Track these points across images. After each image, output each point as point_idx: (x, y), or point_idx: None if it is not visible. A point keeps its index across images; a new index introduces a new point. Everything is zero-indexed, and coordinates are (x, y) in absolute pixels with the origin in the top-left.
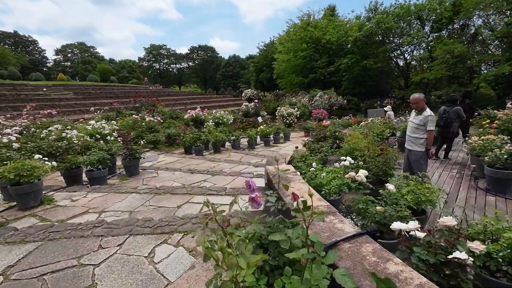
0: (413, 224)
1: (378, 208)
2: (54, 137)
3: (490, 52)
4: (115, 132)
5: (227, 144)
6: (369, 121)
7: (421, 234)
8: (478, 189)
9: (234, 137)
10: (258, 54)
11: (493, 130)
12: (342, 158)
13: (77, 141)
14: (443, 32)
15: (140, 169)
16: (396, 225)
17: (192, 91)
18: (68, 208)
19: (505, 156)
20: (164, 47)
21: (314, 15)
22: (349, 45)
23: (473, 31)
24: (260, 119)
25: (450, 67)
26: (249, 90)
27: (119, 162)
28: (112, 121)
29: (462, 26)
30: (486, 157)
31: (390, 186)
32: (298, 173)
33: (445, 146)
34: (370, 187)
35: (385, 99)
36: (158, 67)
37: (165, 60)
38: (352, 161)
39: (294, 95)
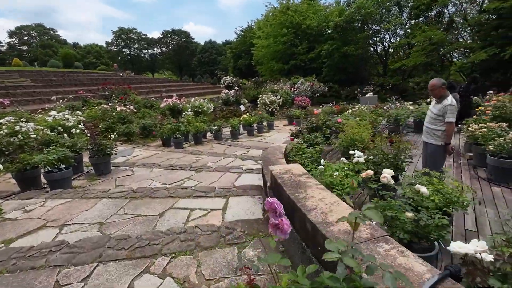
0: (481, 245)
1: (409, 214)
2: (5, 131)
3: (462, 40)
4: (81, 124)
5: (209, 134)
6: (356, 108)
7: (488, 258)
8: (480, 179)
9: (216, 127)
10: (235, 40)
11: (487, 117)
12: (351, 152)
13: (35, 135)
14: (421, 19)
15: (112, 166)
16: (459, 247)
17: (167, 78)
18: (19, 222)
19: (510, 145)
20: (134, 30)
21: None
22: (330, 31)
23: (448, 18)
24: (242, 107)
25: (428, 54)
26: (228, 77)
27: (86, 159)
28: (78, 112)
29: (438, 13)
30: (491, 146)
31: (423, 189)
32: (310, 175)
33: None
34: (396, 189)
35: (365, 86)
36: (128, 52)
37: (136, 45)
38: (365, 158)
39: (275, 82)
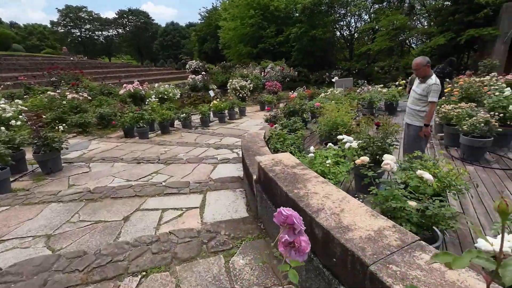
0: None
1: (412, 203)
2: None
3: (421, 26)
4: (23, 114)
5: (177, 123)
6: (329, 92)
7: None
8: (454, 158)
9: (184, 114)
10: (200, 22)
11: (455, 97)
12: (340, 137)
13: None
14: (384, 3)
15: (64, 162)
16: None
17: (126, 62)
18: None
19: (482, 124)
20: (84, 9)
21: None
22: (297, 14)
23: (408, 4)
24: (211, 93)
25: (392, 39)
26: (194, 61)
27: (31, 155)
28: (18, 101)
29: None
30: (464, 126)
31: (426, 175)
32: (305, 166)
33: None
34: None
35: (333, 70)
36: (79, 34)
37: (87, 26)
38: (357, 143)
39: (245, 66)
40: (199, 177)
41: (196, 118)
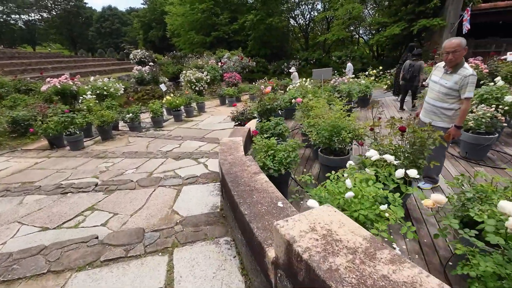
0: None
1: None
2: None
3: (370, 16)
4: None
5: (122, 125)
6: (297, 84)
7: None
8: (456, 158)
9: (131, 114)
10: (143, 8)
11: None
12: (369, 154)
13: None
14: None
15: None
16: None
17: (55, 53)
18: None
19: (488, 119)
20: None
21: None
22: (252, 0)
23: None
24: (163, 87)
25: (347, 28)
26: (139, 51)
27: None
28: None
29: None
30: (470, 122)
31: None
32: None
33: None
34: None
35: (291, 60)
36: None
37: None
38: (394, 159)
39: (199, 56)
40: (157, 214)
41: (146, 117)
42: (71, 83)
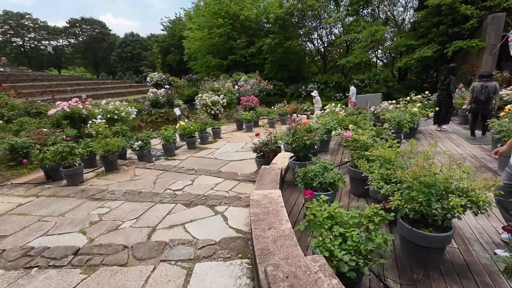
0: None
1: None
2: None
3: (395, 38)
4: None
5: (130, 152)
6: (325, 110)
7: None
8: None
9: (140, 142)
10: (162, 33)
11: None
12: None
13: None
14: (360, 15)
15: None
16: None
17: (78, 75)
18: None
19: None
20: (28, 16)
21: None
22: (269, 25)
23: (385, 16)
24: (177, 111)
25: (369, 51)
26: (156, 73)
27: None
28: None
29: (372, 11)
30: None
31: None
32: None
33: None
34: None
35: (309, 84)
36: (21, 43)
37: (32, 35)
38: None
39: (215, 79)
40: None
41: (158, 143)
42: (81, 107)
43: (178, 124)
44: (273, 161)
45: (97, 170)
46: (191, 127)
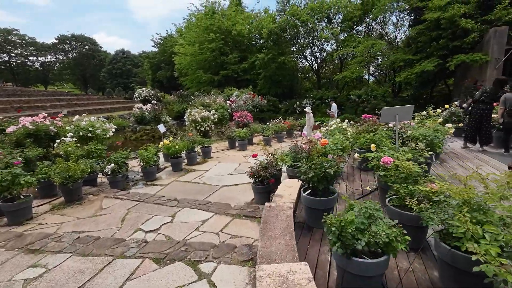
0: None
1: None
2: None
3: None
4: None
5: (101, 177)
6: (333, 126)
7: None
8: None
9: (113, 164)
10: (154, 50)
11: None
12: None
13: None
14: (353, 31)
15: None
16: None
17: (62, 91)
18: None
19: None
20: (15, 32)
21: (220, 3)
22: (262, 41)
23: (378, 32)
24: (162, 128)
25: (366, 66)
26: (144, 89)
27: None
28: None
29: (366, 27)
30: None
31: None
32: None
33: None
34: None
35: (304, 99)
36: (7, 59)
37: (18, 50)
38: None
39: (206, 94)
40: None
41: (137, 165)
42: (48, 123)
43: (161, 143)
44: (277, 192)
45: (55, 201)
46: (177, 146)
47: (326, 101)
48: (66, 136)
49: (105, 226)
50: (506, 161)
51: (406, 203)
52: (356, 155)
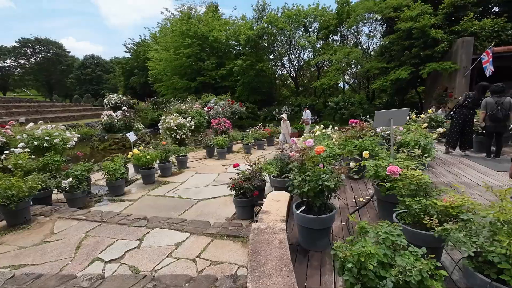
0: None
1: None
2: None
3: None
4: None
5: (57, 193)
6: (317, 132)
7: None
8: None
9: (71, 179)
10: (126, 57)
11: None
12: None
13: None
14: (330, 40)
15: None
16: None
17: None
18: None
19: None
20: None
21: (196, 8)
22: (240, 48)
23: (353, 41)
24: (132, 136)
25: (342, 73)
26: (115, 95)
27: None
28: None
29: (342, 36)
30: None
31: None
32: None
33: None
34: None
35: (282, 106)
36: None
37: None
38: None
39: (182, 101)
40: None
41: (99, 177)
42: None
43: (130, 154)
44: (263, 207)
45: None
46: (148, 156)
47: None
48: (16, 147)
49: (53, 256)
50: (490, 166)
51: (424, 221)
52: (352, 163)
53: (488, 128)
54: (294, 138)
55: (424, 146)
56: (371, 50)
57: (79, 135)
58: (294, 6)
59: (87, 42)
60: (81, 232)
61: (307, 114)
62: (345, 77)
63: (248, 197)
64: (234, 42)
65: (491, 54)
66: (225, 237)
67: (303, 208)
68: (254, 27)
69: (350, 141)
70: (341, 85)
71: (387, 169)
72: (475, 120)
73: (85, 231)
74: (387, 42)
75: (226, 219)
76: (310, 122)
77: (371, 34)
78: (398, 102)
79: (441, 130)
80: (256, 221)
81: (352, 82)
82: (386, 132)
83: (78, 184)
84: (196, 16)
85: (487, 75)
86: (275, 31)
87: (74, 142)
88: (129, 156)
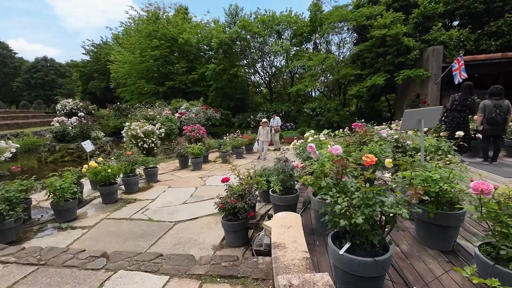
0: None
1: None
2: None
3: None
4: None
5: None
6: (309, 138)
7: None
8: None
9: (3, 205)
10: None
11: None
12: None
13: None
14: (303, 47)
15: None
16: None
17: None
18: None
19: None
20: None
21: (165, 9)
22: (212, 51)
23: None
24: (89, 145)
25: (317, 79)
26: (70, 100)
27: None
28: None
29: (314, 43)
30: None
31: None
32: None
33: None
34: None
35: (258, 113)
36: None
37: None
38: None
39: (149, 107)
40: None
41: (46, 198)
42: None
43: (86, 166)
44: (274, 240)
45: None
46: (109, 170)
47: (281, 114)
48: None
49: None
50: (493, 171)
51: None
52: (388, 175)
53: (486, 132)
54: (312, 145)
55: (447, 151)
56: (341, 58)
57: (18, 145)
58: (267, 12)
59: (41, 45)
60: (6, 284)
61: (276, 121)
62: (317, 84)
63: (240, 218)
64: (206, 47)
65: (462, 62)
66: (218, 279)
67: (347, 245)
68: (227, 31)
69: (353, 147)
70: (313, 93)
71: (471, 186)
72: (471, 124)
73: (12, 281)
74: (358, 50)
75: (213, 248)
76: (279, 129)
77: (340, 44)
78: (368, 110)
79: (461, 133)
80: (254, 252)
81: (323, 90)
82: (394, 136)
83: (9, 210)
84: (165, 17)
85: (456, 83)
86: (248, 36)
87: (11, 154)
88: (83, 170)
